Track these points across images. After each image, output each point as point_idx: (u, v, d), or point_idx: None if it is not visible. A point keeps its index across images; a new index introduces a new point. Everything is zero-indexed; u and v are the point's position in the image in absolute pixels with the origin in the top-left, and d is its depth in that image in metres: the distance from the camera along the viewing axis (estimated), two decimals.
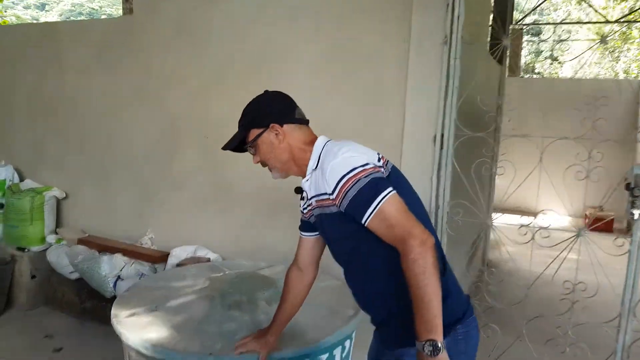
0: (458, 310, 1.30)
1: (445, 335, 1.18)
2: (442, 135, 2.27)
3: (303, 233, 1.55)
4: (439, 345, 1.09)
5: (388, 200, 1.17)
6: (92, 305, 2.97)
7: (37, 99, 3.55)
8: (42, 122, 3.55)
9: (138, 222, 3.18)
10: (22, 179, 3.56)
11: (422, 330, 1.11)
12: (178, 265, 2.69)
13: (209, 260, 2.78)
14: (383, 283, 1.30)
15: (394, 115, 2.34)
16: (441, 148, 2.28)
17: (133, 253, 2.89)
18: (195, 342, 1.72)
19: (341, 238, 1.34)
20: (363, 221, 1.18)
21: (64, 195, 3.43)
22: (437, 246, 1.20)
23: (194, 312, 1.93)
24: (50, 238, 3.26)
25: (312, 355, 1.75)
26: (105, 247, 3.00)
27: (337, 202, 1.23)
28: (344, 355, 1.94)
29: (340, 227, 1.31)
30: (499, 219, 2.48)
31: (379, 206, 1.17)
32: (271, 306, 1.98)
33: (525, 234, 2.20)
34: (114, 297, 2.85)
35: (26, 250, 3.22)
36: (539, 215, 2.97)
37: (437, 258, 1.15)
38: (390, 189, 1.19)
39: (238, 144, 1.43)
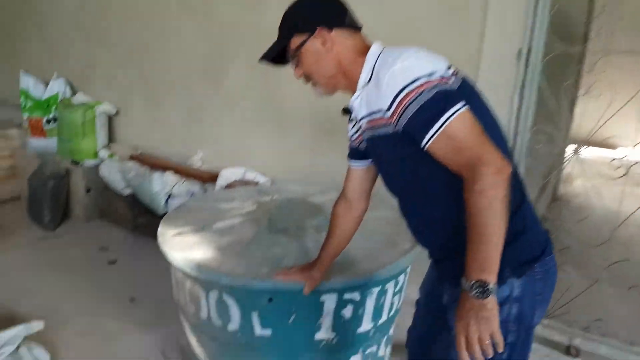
0: (536, 247, 1.14)
1: (520, 274, 1.09)
2: (529, 50, 1.95)
3: (352, 162, 1.39)
4: (490, 288, 0.98)
5: (457, 118, 0.99)
6: (144, 220, 3.01)
7: (87, 13, 3.45)
8: (94, 37, 3.47)
9: (188, 141, 3.12)
10: (74, 93, 3.56)
11: (474, 269, 0.99)
12: (227, 187, 2.62)
13: (257, 184, 2.69)
14: (443, 212, 1.16)
15: (471, 23, 2.03)
16: (526, 65, 1.98)
17: (183, 172, 2.86)
18: (241, 265, 1.66)
19: (396, 161, 1.18)
20: (424, 143, 1.02)
21: (115, 110, 3.41)
22: (515, 175, 1.03)
23: (240, 235, 1.88)
24: (103, 153, 3.29)
25: (363, 287, 1.65)
26: (156, 165, 2.98)
27: (393, 120, 1.06)
28: (396, 290, 1.83)
29: (395, 150, 1.14)
30: (583, 151, 2.19)
31: (445, 124, 0.99)
32: (320, 234, 1.89)
33: (617, 169, 1.93)
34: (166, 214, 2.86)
35: (80, 164, 3.27)
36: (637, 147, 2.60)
37: (513, 190, 0.98)
38: (461, 104, 1.00)
39: (278, 55, 1.24)
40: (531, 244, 1.13)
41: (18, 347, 1.75)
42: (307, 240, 1.86)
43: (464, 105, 1.00)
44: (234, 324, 1.67)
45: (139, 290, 2.50)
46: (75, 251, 2.92)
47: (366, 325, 1.75)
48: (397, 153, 1.14)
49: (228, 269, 1.62)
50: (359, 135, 1.28)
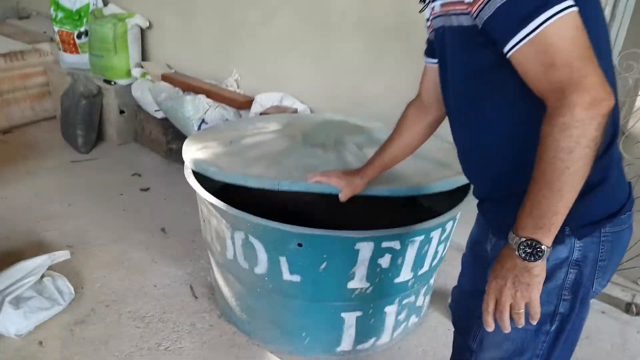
0: (613, 203, 0.94)
1: (584, 235, 0.92)
2: None
3: (428, 59, 1.20)
4: (542, 250, 0.82)
5: (560, 21, 0.75)
6: (178, 146, 2.94)
7: None
8: None
9: (223, 61, 2.95)
10: (105, 4, 3.39)
11: (528, 223, 0.83)
12: (262, 114, 2.46)
13: (295, 111, 2.52)
14: (504, 141, 0.95)
15: None
16: None
17: (217, 96, 2.71)
18: (271, 170, 1.55)
19: (462, 64, 0.95)
20: (508, 47, 0.80)
21: (147, 24, 3.25)
22: (614, 111, 0.83)
23: (272, 148, 1.77)
24: (136, 72, 3.18)
25: (404, 236, 1.50)
26: (189, 87, 2.85)
27: (474, 9, 0.83)
28: (442, 239, 1.68)
29: (465, 50, 0.92)
30: None
31: (542, 27, 0.76)
32: (362, 150, 1.75)
33: None
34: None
35: (113, 83, 3.18)
36: None
37: (606, 130, 0.80)
38: (568, 3, 0.76)
39: None
40: (607, 199, 0.93)
41: (42, 277, 1.75)
42: (346, 155, 1.73)
43: (572, 6, 0.76)
44: (261, 268, 1.60)
45: (170, 220, 2.47)
46: (108, 176, 2.91)
47: (405, 275, 1.64)
48: (467, 55, 0.92)
49: (257, 174, 1.53)
50: (430, 24, 1.07)
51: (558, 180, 0.78)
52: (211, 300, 1.98)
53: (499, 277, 0.87)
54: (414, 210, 2.13)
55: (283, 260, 1.55)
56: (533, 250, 0.82)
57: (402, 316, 1.81)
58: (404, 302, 1.76)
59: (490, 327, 0.91)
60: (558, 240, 0.85)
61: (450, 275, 2.24)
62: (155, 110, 3.02)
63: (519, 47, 0.78)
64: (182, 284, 2.06)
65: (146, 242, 2.31)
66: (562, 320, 0.97)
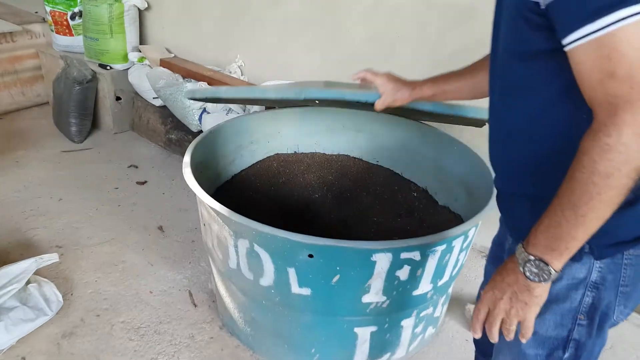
0: None
1: (604, 256, 0.85)
2: None
3: None
4: (550, 273, 0.77)
5: (635, 26, 0.63)
6: (177, 137, 2.80)
7: None
8: None
9: (226, 46, 2.79)
10: None
11: (540, 241, 0.77)
12: (266, 106, 2.30)
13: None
14: (539, 141, 0.84)
15: None
16: None
17: (219, 83, 2.57)
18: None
19: (512, 43, 0.81)
20: (567, 41, 0.69)
21: (146, 5, 3.09)
22: None
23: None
24: (133, 56, 3.03)
25: (425, 246, 1.36)
26: (190, 73, 2.70)
27: None
28: (464, 246, 1.56)
29: (520, 28, 0.77)
30: None
31: (611, 28, 0.64)
32: None
33: None
34: (200, 132, 2.62)
35: (108, 67, 3.03)
36: None
37: None
38: None
39: None
40: (636, 220, 0.83)
41: (27, 283, 1.62)
42: None
43: None
44: (267, 279, 1.47)
45: (169, 217, 2.35)
46: (102, 168, 2.78)
47: (424, 287, 1.51)
48: (520, 33, 0.78)
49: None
50: None
51: (585, 205, 0.70)
52: (212, 308, 1.86)
53: (496, 289, 0.84)
54: (423, 209, 2.00)
55: (292, 272, 1.42)
56: (540, 272, 0.77)
57: (419, 329, 1.69)
58: (422, 314, 1.64)
59: (477, 334, 0.89)
60: (575, 257, 0.80)
61: (467, 279, 2.12)
62: (154, 98, 2.87)
63: (580, 44, 0.67)
64: (180, 290, 1.94)
65: (142, 242, 2.19)
66: (577, 348, 0.91)
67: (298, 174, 2.14)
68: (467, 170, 1.89)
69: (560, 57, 0.71)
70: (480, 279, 2.10)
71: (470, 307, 1.89)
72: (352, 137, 2.22)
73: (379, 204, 2.04)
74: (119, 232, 2.24)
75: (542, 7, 0.70)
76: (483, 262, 2.22)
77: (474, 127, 1.90)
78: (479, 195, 1.81)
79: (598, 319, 0.89)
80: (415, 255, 1.39)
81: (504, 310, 0.83)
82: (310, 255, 1.36)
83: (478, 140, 2.07)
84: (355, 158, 2.24)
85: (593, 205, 0.70)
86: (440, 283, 1.55)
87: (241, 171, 2.09)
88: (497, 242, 1.14)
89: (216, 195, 1.95)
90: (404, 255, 1.38)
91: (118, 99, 3.09)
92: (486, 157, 1.82)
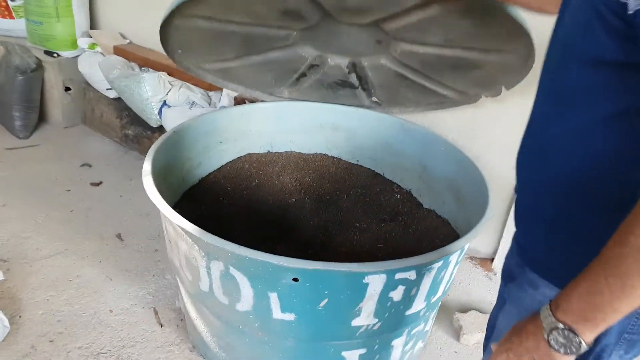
0: None
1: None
2: None
3: None
4: (579, 347, 0.65)
5: None
6: (135, 133, 2.58)
7: None
8: None
9: None
10: None
11: (574, 307, 0.65)
12: (237, 100, 2.12)
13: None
14: (580, 166, 0.72)
15: None
16: None
17: (181, 74, 2.35)
18: None
19: (580, 44, 0.67)
20: None
21: None
22: None
23: None
24: (83, 42, 2.77)
25: (422, 265, 1.24)
26: (147, 62, 2.47)
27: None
28: (460, 259, 1.43)
29: (592, 29, 0.64)
30: None
31: None
32: None
33: None
34: (161, 127, 2.41)
35: (55, 55, 2.76)
36: None
37: None
38: None
39: None
40: None
41: None
42: None
43: None
44: (244, 304, 1.32)
45: (128, 223, 2.15)
46: (52, 167, 2.53)
47: (418, 305, 1.39)
48: (591, 35, 0.64)
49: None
50: None
51: (638, 276, 0.58)
52: (181, 328, 1.70)
53: (512, 352, 0.73)
54: (407, 212, 1.88)
55: (274, 296, 1.27)
56: (567, 343, 0.65)
57: (409, 346, 1.58)
58: (413, 332, 1.53)
59: None
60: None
61: (453, 284, 2.02)
62: (107, 89, 2.63)
63: None
64: (144, 308, 1.76)
65: (99, 253, 1.98)
66: None
67: (273, 175, 1.98)
68: (454, 172, 1.78)
69: (631, 73, 0.59)
70: (468, 283, 2.04)
71: (459, 316, 1.80)
72: (330, 134, 2.08)
73: (361, 208, 1.91)
74: (72, 242, 2.03)
75: (630, 11, 0.56)
76: (469, 265, 2.14)
77: (460, 127, 1.80)
78: (469, 199, 1.71)
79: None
80: (411, 275, 1.27)
81: None
82: (295, 279, 1.22)
83: (464, 141, 1.96)
84: (333, 157, 2.10)
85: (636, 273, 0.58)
86: (433, 299, 1.44)
87: (209, 174, 1.92)
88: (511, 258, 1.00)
89: (182, 202, 1.77)
90: (399, 276, 1.26)
91: (67, 89, 2.82)
92: (476, 160, 1.73)
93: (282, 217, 1.86)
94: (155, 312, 1.74)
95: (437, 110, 1.91)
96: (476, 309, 1.86)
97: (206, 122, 1.86)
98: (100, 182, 2.42)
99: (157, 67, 2.44)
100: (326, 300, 1.25)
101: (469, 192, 1.71)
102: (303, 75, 1.86)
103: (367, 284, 1.24)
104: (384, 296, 1.28)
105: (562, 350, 0.66)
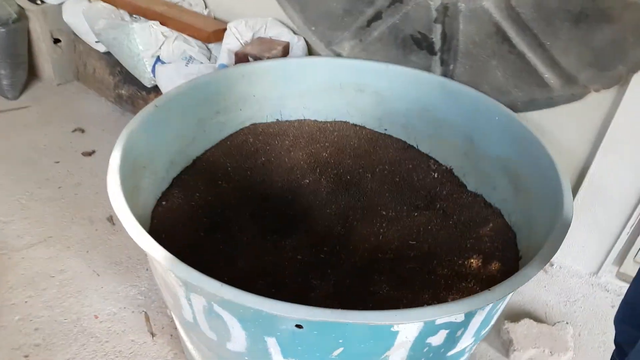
0: None
1: None
2: None
3: None
4: None
5: None
6: (128, 93, 2.23)
7: None
8: None
9: None
10: None
11: None
12: (238, 56, 1.72)
13: (287, 45, 1.77)
14: None
15: None
16: None
17: (176, 23, 1.96)
18: None
19: None
20: None
21: None
22: None
23: None
24: None
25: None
26: (138, 9, 2.07)
27: None
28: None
29: None
30: None
31: None
32: None
33: None
34: (156, 87, 2.04)
35: (39, 2, 2.37)
36: None
37: None
38: None
39: None
40: None
41: None
42: None
43: None
44: (236, 345, 1.01)
45: None
46: (41, 133, 2.23)
47: (464, 343, 1.05)
48: None
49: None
50: None
51: None
52: (175, 339, 1.42)
53: None
54: (447, 197, 1.50)
55: (272, 341, 0.95)
56: None
57: None
58: None
59: None
60: None
61: None
62: (96, 42, 2.24)
63: None
64: (134, 312, 1.49)
65: (87, 241, 1.70)
66: None
67: (282, 151, 1.62)
68: (512, 150, 1.38)
69: None
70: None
71: (509, 326, 1.45)
72: (352, 97, 1.67)
73: (389, 191, 1.54)
74: (57, 227, 1.75)
75: None
76: None
77: None
78: (531, 187, 1.32)
79: None
80: (458, 317, 0.92)
81: None
82: (299, 326, 0.89)
83: (533, 113, 1.51)
84: (356, 126, 1.71)
85: None
86: (483, 332, 1.10)
87: (205, 152, 1.57)
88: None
89: (172, 190, 1.44)
90: (441, 321, 0.91)
91: (57, 41, 2.45)
92: (545, 136, 1.31)
93: (292, 203, 1.51)
94: (147, 318, 1.47)
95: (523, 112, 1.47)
96: (529, 315, 1.51)
97: (198, 89, 1.48)
98: (93, 152, 2.11)
99: (149, 14, 2.03)
100: (341, 349, 0.93)
101: (531, 178, 1.32)
102: (378, 15, 1.45)
103: (396, 332, 0.90)
104: (419, 343, 0.94)
105: None
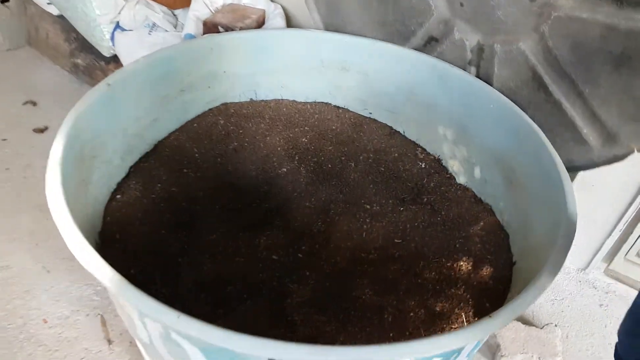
0: None
1: None
2: None
3: None
4: None
5: None
6: (85, 63, 2.00)
7: None
8: None
9: None
10: None
11: None
12: (206, 25, 1.52)
13: (262, 14, 1.58)
14: None
15: None
16: None
17: None
18: None
19: None
20: None
21: None
22: None
23: None
24: None
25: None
26: None
27: None
28: None
29: None
30: None
31: None
32: None
33: None
34: (116, 57, 1.83)
35: None
36: None
37: None
38: None
39: None
40: None
41: None
42: None
43: None
44: None
45: None
46: None
47: None
48: None
49: None
50: None
51: None
52: (134, 346, 1.28)
53: None
54: (435, 189, 1.37)
55: None
56: None
57: None
58: None
59: None
60: None
61: None
62: (48, 3, 1.99)
63: None
64: (88, 315, 1.33)
65: (36, 232, 1.52)
66: None
67: (257, 135, 1.45)
68: (507, 141, 1.25)
69: None
70: None
71: None
72: (335, 77, 1.51)
73: (373, 182, 1.40)
74: (3, 216, 1.56)
75: None
76: None
77: None
78: (526, 184, 1.19)
79: None
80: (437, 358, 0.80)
81: None
82: None
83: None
84: (339, 108, 1.56)
85: None
86: (477, 350, 0.99)
87: (169, 135, 1.40)
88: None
89: (128, 180, 1.27)
90: (437, 352, 0.78)
91: (4, 1, 2.18)
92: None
93: (268, 194, 1.35)
94: (103, 322, 1.31)
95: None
96: (519, 318, 1.42)
97: (159, 64, 1.29)
98: (46, 128, 1.89)
99: None
100: None
101: (527, 174, 1.19)
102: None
103: None
104: None
105: None
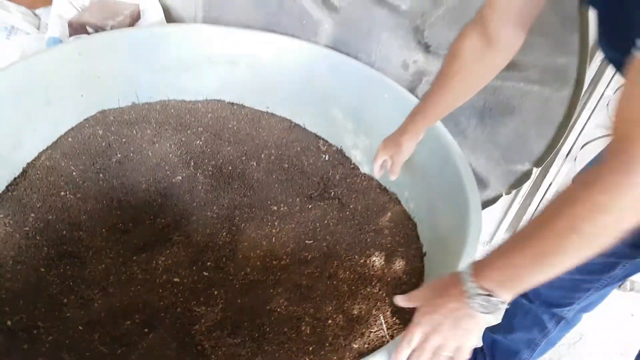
0: None
1: None
2: None
3: None
4: (499, 306, 0.66)
5: None
6: None
7: None
8: None
9: None
10: None
11: (494, 277, 0.65)
12: (72, 26, 1.30)
13: (136, 9, 1.38)
14: None
15: None
16: None
17: None
18: None
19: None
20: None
21: None
22: None
23: None
24: None
25: None
26: None
27: None
28: None
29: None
30: None
31: None
32: None
33: None
34: None
35: None
36: None
37: None
38: None
39: None
40: None
41: None
42: None
43: None
44: None
45: None
46: None
47: None
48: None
49: None
50: None
51: (555, 255, 0.60)
52: None
53: (436, 313, 0.70)
54: (341, 182, 1.31)
55: None
56: (489, 304, 0.66)
57: None
58: None
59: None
60: None
61: None
62: None
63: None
64: None
65: None
66: None
67: (143, 143, 1.28)
68: None
69: None
70: None
71: None
72: (225, 71, 1.37)
73: (278, 180, 1.31)
74: None
75: None
76: None
77: None
78: (427, 171, 1.15)
79: None
80: None
81: (443, 337, 0.69)
82: None
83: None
84: (233, 104, 1.42)
85: (567, 258, 0.59)
86: None
87: (40, 155, 1.19)
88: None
89: None
90: None
91: None
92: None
93: (163, 208, 1.20)
94: None
95: None
96: None
97: (18, 76, 1.07)
98: None
99: None
100: None
101: (425, 161, 1.15)
102: None
103: None
104: None
105: (485, 311, 0.67)
